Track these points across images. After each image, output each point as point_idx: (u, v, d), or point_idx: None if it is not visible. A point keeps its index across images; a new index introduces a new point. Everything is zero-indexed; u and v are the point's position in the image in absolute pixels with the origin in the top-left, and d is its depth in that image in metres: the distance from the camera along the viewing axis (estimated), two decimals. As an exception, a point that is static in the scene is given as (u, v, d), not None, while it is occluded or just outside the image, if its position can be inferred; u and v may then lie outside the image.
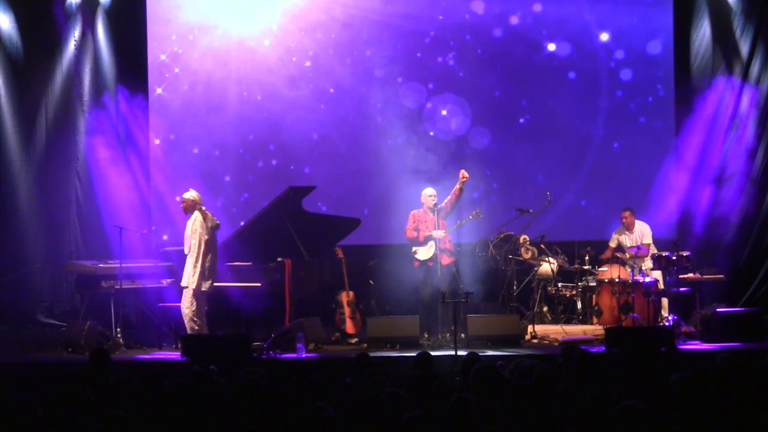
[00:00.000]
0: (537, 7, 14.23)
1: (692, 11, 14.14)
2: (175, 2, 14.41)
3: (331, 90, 14.37)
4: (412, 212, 12.33)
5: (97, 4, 14.22)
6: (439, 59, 14.35)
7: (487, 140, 14.32)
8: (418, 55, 14.35)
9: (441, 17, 14.30)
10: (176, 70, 14.39)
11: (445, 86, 14.34)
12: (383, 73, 14.25)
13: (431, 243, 12.03)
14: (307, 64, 14.37)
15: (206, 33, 14.35)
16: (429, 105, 14.32)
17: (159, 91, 14.37)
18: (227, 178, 14.37)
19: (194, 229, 11.44)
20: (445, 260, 12.01)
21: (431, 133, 14.27)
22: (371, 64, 14.28)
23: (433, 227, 12.06)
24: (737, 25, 13.96)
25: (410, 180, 13.83)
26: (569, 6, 14.22)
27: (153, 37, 14.38)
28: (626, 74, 14.30)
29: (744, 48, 13.94)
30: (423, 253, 12.10)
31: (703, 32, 14.08)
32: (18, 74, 14.15)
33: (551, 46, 14.26)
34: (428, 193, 12.25)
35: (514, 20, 14.25)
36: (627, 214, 13.05)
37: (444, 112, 14.31)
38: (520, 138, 14.34)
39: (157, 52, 14.39)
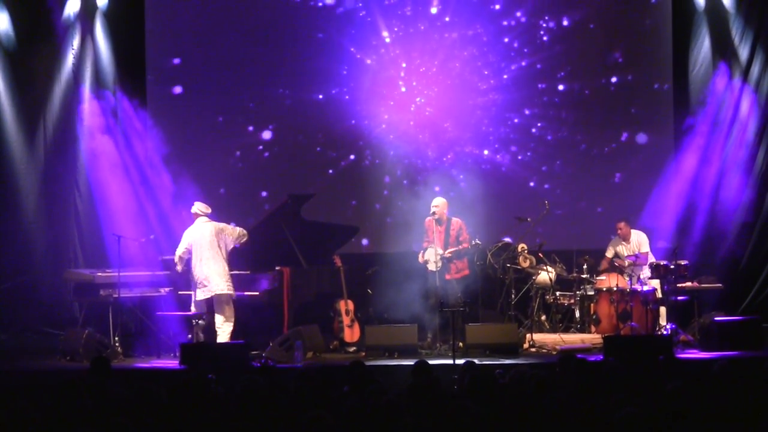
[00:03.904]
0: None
1: (691, 18, 14.17)
2: (174, 3, 14.45)
3: (333, 93, 14.36)
4: (426, 219, 12.36)
5: (95, 8, 14.21)
6: (442, 66, 14.36)
7: (486, 149, 14.33)
8: (417, 61, 14.38)
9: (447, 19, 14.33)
10: (176, 76, 14.41)
11: (447, 95, 14.36)
12: (385, 82, 14.29)
13: (438, 258, 12.04)
14: (311, 67, 14.35)
15: (207, 35, 14.37)
16: (428, 113, 14.35)
17: (158, 95, 14.41)
18: (222, 190, 14.35)
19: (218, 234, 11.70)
20: (451, 275, 12.06)
21: (430, 142, 14.31)
22: (373, 72, 14.30)
23: (438, 239, 12.09)
24: (736, 30, 13.99)
25: (409, 188, 13.88)
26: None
27: (152, 41, 14.39)
28: (625, 81, 14.33)
29: (743, 53, 13.97)
30: (432, 266, 12.13)
31: (702, 39, 14.11)
32: (19, 83, 14.14)
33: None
34: (432, 203, 12.30)
35: (522, 38, 14.30)
36: (622, 225, 13.05)
37: (447, 126, 14.34)
38: (519, 146, 14.36)
39: (156, 56, 14.41)
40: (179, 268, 11.83)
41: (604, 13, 14.29)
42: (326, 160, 14.43)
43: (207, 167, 14.32)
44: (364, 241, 13.96)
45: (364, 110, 14.29)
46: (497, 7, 14.18)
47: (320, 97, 14.33)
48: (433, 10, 14.22)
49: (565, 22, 14.23)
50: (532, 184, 14.29)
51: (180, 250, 11.78)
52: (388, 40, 14.24)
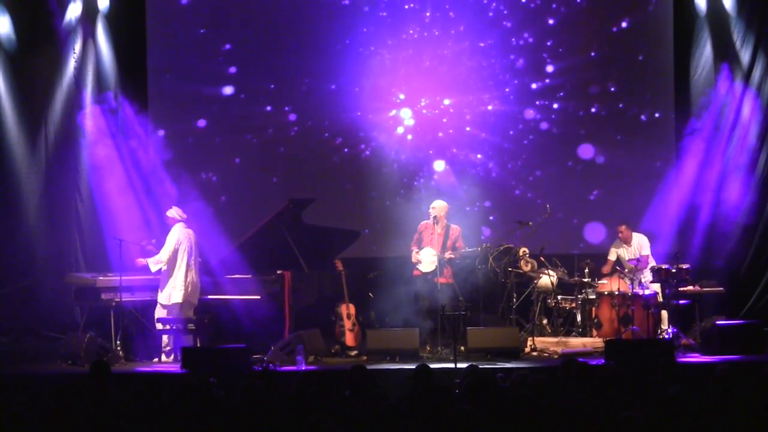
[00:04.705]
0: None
1: (692, 24, 14.16)
2: (176, 4, 14.46)
3: (334, 99, 14.38)
4: (421, 222, 12.39)
5: (96, 12, 14.20)
6: (449, 72, 14.39)
7: (485, 154, 14.35)
8: (426, 64, 14.40)
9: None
10: (177, 79, 14.43)
11: (450, 100, 14.38)
12: (394, 80, 14.34)
13: (434, 259, 12.03)
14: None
15: (207, 39, 14.38)
16: (430, 114, 14.38)
17: (159, 99, 14.43)
18: (223, 198, 14.36)
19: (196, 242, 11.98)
20: (445, 278, 12.06)
21: (430, 143, 14.33)
22: (384, 70, 14.32)
23: (437, 242, 12.09)
24: (737, 34, 13.97)
25: (409, 193, 13.89)
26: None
27: (153, 43, 14.40)
28: (626, 85, 14.34)
29: (745, 57, 13.94)
30: (426, 266, 12.12)
31: (703, 44, 14.10)
32: (20, 87, 14.15)
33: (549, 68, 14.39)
34: (431, 205, 12.32)
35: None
36: (623, 228, 13.06)
37: (447, 129, 14.37)
38: (518, 152, 14.36)
39: (157, 60, 14.42)
40: (153, 269, 11.90)
41: (606, 31, 14.36)
42: (332, 146, 14.44)
43: (209, 171, 14.31)
44: (365, 244, 13.91)
45: (371, 105, 14.34)
46: (508, 24, 14.35)
47: (333, 87, 14.42)
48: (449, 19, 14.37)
49: (566, 46, 14.33)
50: (517, 192, 14.32)
51: (168, 254, 11.82)
52: (409, 40, 14.36)
